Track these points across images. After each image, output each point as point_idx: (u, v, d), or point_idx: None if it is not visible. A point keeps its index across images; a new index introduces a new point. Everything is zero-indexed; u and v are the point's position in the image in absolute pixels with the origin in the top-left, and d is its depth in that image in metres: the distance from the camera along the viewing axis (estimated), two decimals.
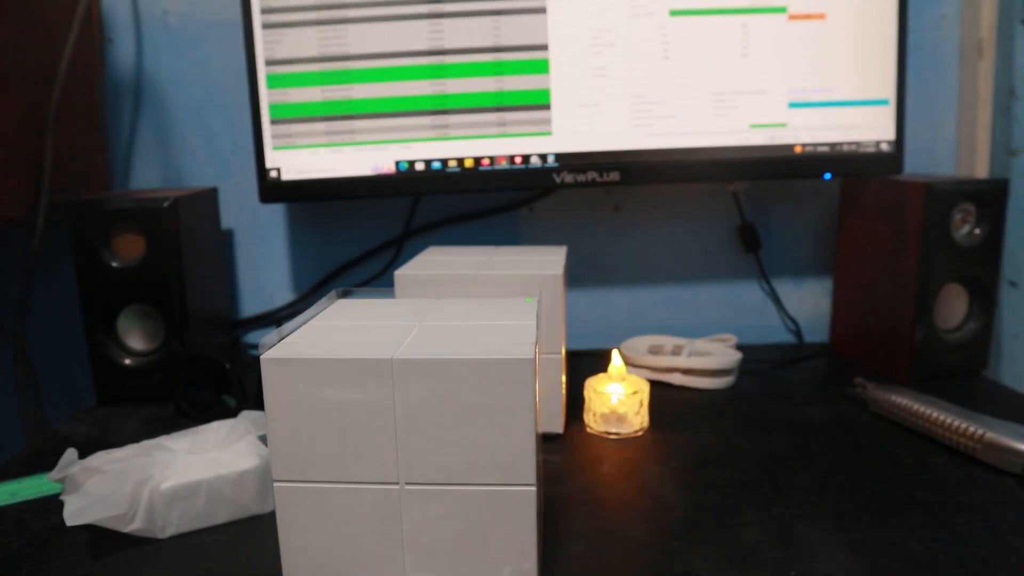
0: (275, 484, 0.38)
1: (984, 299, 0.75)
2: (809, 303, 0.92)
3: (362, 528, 0.38)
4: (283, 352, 0.37)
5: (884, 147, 0.76)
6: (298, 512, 0.38)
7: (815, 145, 0.76)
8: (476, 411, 0.36)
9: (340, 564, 0.38)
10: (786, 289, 0.91)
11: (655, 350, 0.78)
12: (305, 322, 0.42)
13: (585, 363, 0.78)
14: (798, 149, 0.76)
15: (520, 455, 0.37)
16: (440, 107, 0.73)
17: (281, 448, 0.37)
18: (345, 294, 0.49)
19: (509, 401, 0.36)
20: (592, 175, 0.74)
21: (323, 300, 0.46)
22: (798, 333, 0.91)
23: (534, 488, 0.37)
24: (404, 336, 0.38)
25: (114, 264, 0.71)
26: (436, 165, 0.74)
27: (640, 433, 0.63)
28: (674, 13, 0.73)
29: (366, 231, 0.88)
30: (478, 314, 0.43)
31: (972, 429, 0.56)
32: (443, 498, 0.37)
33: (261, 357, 0.37)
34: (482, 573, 0.38)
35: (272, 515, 0.40)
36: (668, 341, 0.79)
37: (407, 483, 0.37)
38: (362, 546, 0.38)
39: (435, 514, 0.38)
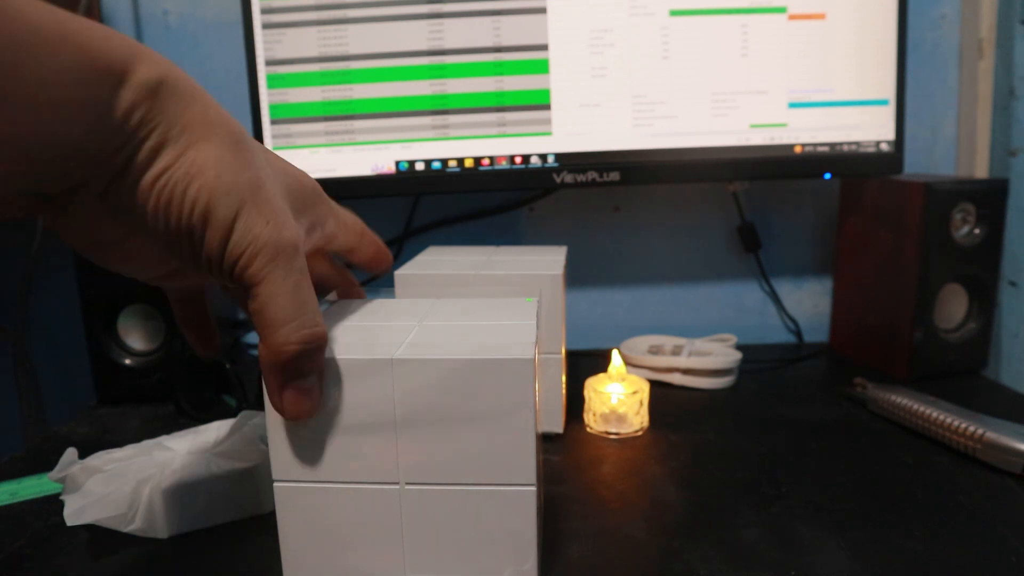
0: (275, 484, 0.38)
1: (984, 299, 0.75)
2: (809, 303, 0.92)
3: (362, 528, 0.38)
4: None
5: (884, 147, 0.76)
6: (298, 512, 0.38)
7: (815, 145, 0.76)
8: (476, 411, 0.36)
9: (340, 564, 0.38)
10: (786, 289, 0.91)
11: (655, 350, 0.78)
12: None
13: (585, 363, 0.78)
14: (798, 149, 0.76)
15: (520, 455, 0.37)
16: (440, 107, 0.73)
17: (281, 448, 0.37)
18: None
19: (509, 401, 0.36)
20: (592, 175, 0.74)
21: (321, 301, 0.46)
22: (798, 333, 0.91)
23: (534, 488, 0.37)
24: (404, 336, 0.38)
25: None
26: (436, 165, 0.74)
27: (640, 433, 0.64)
28: (674, 13, 0.73)
29: None
30: (478, 314, 0.43)
31: (972, 429, 0.56)
32: (443, 498, 0.37)
33: None
34: (482, 573, 0.38)
35: (272, 515, 0.40)
36: (668, 341, 0.79)
37: (407, 483, 0.37)
38: (362, 546, 0.38)
39: (435, 514, 0.38)
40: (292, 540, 0.38)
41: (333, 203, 0.38)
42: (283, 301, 0.31)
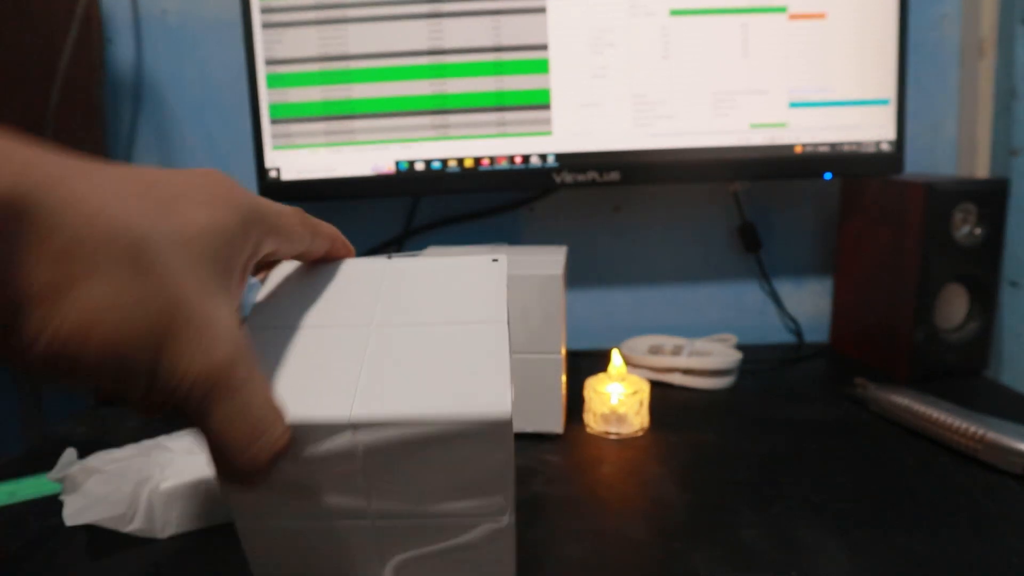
0: (238, 525, 0.33)
1: (985, 299, 0.75)
2: (809, 303, 0.92)
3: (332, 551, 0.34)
4: None
5: (884, 147, 0.76)
6: (263, 540, 0.34)
7: (815, 145, 0.75)
8: (448, 474, 0.31)
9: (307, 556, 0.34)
10: (786, 289, 0.91)
11: (655, 350, 0.78)
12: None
13: (585, 363, 0.78)
14: (798, 149, 0.76)
15: (495, 517, 0.32)
16: (440, 107, 0.73)
17: (241, 502, 0.33)
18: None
19: (485, 462, 0.31)
20: (592, 175, 0.74)
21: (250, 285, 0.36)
22: (798, 333, 0.91)
23: (511, 526, 0.33)
24: (356, 370, 0.32)
25: None
26: (436, 165, 0.74)
27: (640, 433, 0.63)
28: (674, 13, 0.73)
29: (366, 231, 0.88)
30: (440, 303, 0.35)
31: (973, 429, 0.56)
32: (416, 532, 0.33)
33: None
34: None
35: None
36: (668, 341, 0.79)
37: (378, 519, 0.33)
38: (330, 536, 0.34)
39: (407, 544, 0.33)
40: (261, 559, 0.35)
41: (273, 214, 0.31)
42: (235, 429, 0.27)
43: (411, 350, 0.32)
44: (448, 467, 0.31)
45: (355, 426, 0.30)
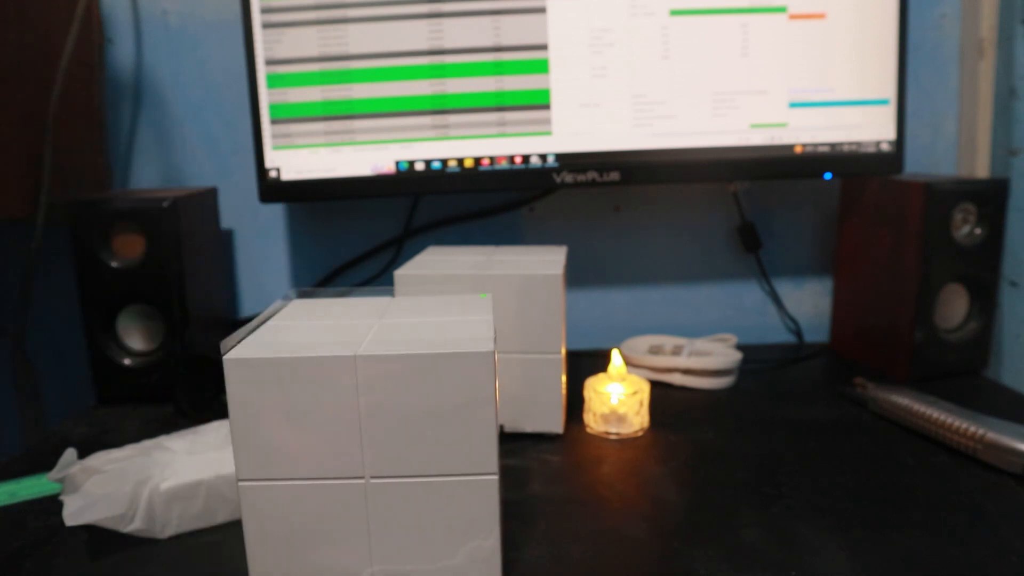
0: (240, 484, 0.38)
1: (984, 299, 0.75)
2: (809, 303, 0.92)
3: (328, 523, 0.38)
4: (246, 352, 0.37)
5: (884, 147, 0.76)
6: (263, 511, 0.38)
7: (815, 145, 0.75)
8: (439, 404, 0.37)
9: (307, 560, 0.39)
10: (786, 289, 0.91)
11: (655, 350, 0.78)
12: (262, 323, 0.43)
13: (585, 363, 0.78)
14: (798, 149, 0.76)
15: (483, 445, 0.38)
16: (440, 107, 0.73)
17: (245, 447, 0.37)
18: (304, 295, 0.49)
19: (471, 393, 0.37)
20: (592, 175, 0.74)
21: (278, 302, 0.47)
22: (798, 333, 0.91)
23: (497, 477, 0.38)
24: (365, 333, 0.39)
25: (114, 264, 0.71)
26: (436, 165, 0.74)
27: (640, 433, 0.63)
28: (674, 13, 0.73)
29: (366, 231, 0.88)
30: (435, 311, 0.43)
31: (972, 429, 0.56)
32: (409, 491, 0.38)
33: (224, 358, 0.36)
34: (446, 558, 0.39)
35: None
36: (668, 341, 0.79)
37: (372, 477, 0.38)
38: (328, 541, 0.39)
39: (400, 506, 0.38)
40: (257, 539, 0.39)
41: None
42: None
43: (410, 329, 0.40)
44: (436, 392, 0.37)
45: (357, 359, 0.36)
